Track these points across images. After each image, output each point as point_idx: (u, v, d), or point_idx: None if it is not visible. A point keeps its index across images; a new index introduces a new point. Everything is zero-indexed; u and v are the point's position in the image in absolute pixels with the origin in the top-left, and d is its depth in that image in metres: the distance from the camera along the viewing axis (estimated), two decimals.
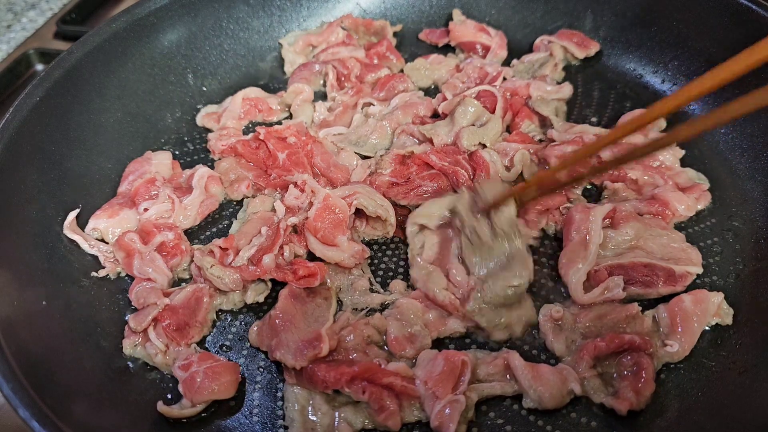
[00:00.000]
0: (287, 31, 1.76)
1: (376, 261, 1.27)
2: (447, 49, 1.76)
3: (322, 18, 1.80)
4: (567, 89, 1.55)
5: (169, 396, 1.06)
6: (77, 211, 1.27)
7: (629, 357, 1.03)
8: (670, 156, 1.38)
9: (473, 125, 1.45)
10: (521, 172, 1.39)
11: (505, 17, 1.78)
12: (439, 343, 1.12)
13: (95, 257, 1.25)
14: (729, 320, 1.11)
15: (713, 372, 1.06)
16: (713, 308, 1.09)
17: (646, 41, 1.62)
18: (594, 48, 1.66)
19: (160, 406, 1.02)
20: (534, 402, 1.00)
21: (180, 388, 1.04)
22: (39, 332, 1.04)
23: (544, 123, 1.51)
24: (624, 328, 1.08)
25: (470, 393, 1.01)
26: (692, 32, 1.53)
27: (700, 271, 1.17)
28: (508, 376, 1.04)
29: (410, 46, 1.79)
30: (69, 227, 1.24)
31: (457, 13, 1.77)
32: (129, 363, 1.11)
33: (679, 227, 1.27)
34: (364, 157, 1.45)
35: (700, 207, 1.30)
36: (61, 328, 1.09)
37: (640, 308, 1.11)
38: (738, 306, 1.13)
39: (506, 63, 1.69)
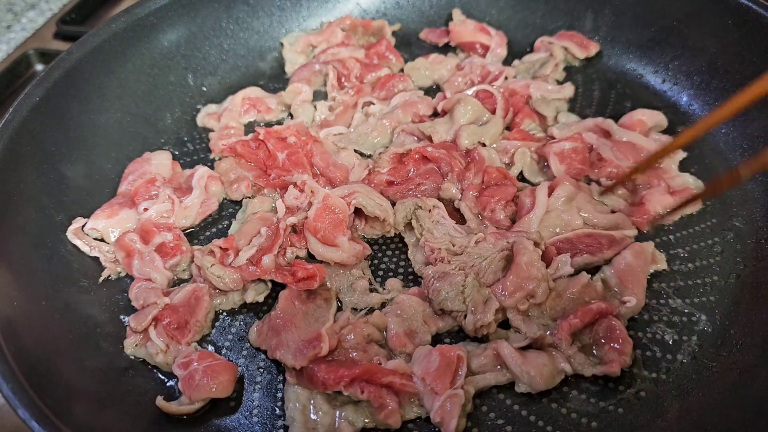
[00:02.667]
0: (287, 31, 1.77)
1: (376, 261, 1.26)
2: (447, 49, 1.76)
3: (321, 18, 1.80)
4: (569, 89, 1.56)
5: (169, 396, 1.06)
6: (84, 221, 1.27)
7: (600, 324, 1.08)
8: (668, 159, 1.37)
9: (473, 124, 1.45)
10: (522, 170, 1.39)
11: (505, 17, 1.78)
12: (435, 339, 1.12)
13: (95, 258, 1.25)
14: (664, 264, 1.20)
15: (713, 372, 1.06)
16: (649, 256, 1.18)
17: (646, 41, 1.62)
18: (594, 48, 1.66)
19: (159, 402, 1.02)
20: (526, 385, 1.02)
21: (179, 385, 1.04)
22: (39, 332, 1.04)
23: (545, 122, 1.51)
24: (584, 299, 1.12)
25: (467, 386, 1.02)
26: (692, 32, 1.53)
27: (635, 233, 1.24)
28: (499, 366, 1.05)
29: (410, 46, 1.79)
30: (72, 232, 1.24)
31: (457, 13, 1.78)
32: (129, 363, 1.11)
33: (680, 227, 1.28)
34: (365, 157, 1.46)
35: (687, 212, 1.30)
36: (61, 328, 1.09)
37: (589, 276, 1.16)
38: (738, 306, 1.13)
39: (507, 63, 1.70)
